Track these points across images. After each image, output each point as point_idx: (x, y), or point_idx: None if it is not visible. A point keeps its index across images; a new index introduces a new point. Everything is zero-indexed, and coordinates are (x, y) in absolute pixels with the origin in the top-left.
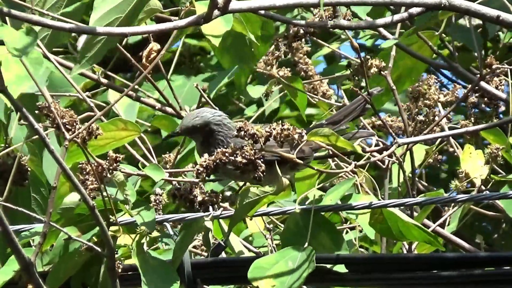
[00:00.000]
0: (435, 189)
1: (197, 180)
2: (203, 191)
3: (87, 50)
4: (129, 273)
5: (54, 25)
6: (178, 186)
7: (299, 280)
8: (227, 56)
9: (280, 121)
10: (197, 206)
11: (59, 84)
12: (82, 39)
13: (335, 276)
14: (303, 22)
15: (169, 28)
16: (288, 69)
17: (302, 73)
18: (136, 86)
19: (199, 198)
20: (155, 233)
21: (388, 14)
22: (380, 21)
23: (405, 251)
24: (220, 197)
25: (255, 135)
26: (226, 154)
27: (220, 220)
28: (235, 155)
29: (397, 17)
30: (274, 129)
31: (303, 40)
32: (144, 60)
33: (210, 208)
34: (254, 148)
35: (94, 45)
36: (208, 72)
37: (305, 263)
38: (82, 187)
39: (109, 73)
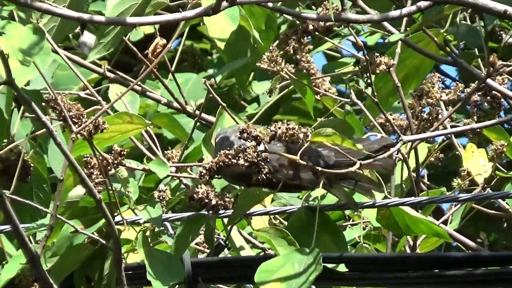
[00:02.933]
0: (437, 187)
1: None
2: (217, 193)
3: (102, 37)
4: (129, 272)
5: (62, 14)
6: (197, 190)
7: (306, 283)
8: (230, 51)
9: (285, 120)
10: (208, 210)
11: (61, 82)
12: (87, 34)
13: (335, 276)
14: (313, 15)
15: (177, 19)
16: (291, 65)
17: (304, 71)
18: (140, 83)
19: (213, 202)
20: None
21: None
22: (393, 13)
23: (408, 249)
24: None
25: (258, 137)
26: (229, 156)
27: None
28: (237, 157)
29: (405, 10)
30: (279, 128)
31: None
32: (150, 55)
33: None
34: (257, 150)
35: (109, 32)
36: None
37: (312, 265)
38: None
39: (112, 70)
